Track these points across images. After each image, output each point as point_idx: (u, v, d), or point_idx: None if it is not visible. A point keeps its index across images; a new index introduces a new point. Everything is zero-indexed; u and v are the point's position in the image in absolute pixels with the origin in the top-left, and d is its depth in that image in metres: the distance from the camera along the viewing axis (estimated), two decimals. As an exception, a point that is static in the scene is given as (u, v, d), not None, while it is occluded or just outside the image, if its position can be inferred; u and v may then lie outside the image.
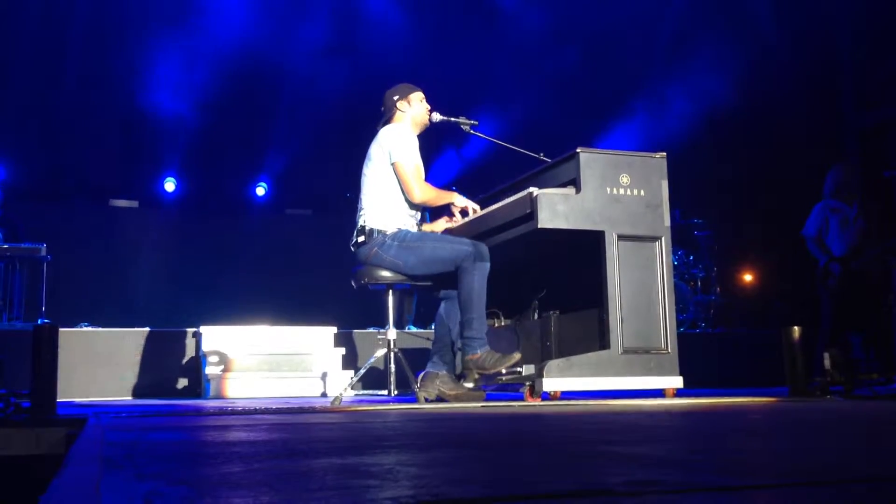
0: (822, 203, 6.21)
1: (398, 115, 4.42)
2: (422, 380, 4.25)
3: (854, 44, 9.19)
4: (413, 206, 4.29)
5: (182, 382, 6.60)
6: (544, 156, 4.43)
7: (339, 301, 7.76)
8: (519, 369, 4.03)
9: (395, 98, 4.44)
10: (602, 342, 3.98)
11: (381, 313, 4.46)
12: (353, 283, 4.34)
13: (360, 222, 4.27)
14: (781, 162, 8.84)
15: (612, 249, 3.95)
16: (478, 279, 4.02)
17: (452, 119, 4.51)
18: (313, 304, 8.23)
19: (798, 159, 8.41)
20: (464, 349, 4.05)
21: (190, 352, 6.64)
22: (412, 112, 4.43)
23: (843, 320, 5.94)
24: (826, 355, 4.33)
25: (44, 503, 1.21)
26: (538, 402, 3.86)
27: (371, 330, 7.15)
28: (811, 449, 1.68)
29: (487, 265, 4.05)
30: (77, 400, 5.78)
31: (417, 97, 4.46)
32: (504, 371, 4.00)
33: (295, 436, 2.13)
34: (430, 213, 4.84)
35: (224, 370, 6.32)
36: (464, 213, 4.40)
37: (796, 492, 1.08)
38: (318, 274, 8.92)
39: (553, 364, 3.88)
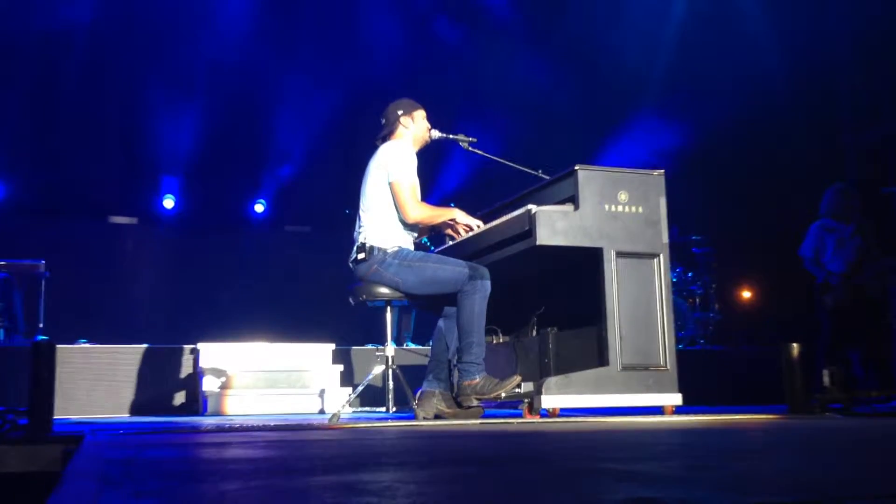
0: (819, 223, 6.23)
1: (400, 130, 4.39)
2: (419, 399, 4.23)
3: (852, 62, 9.23)
4: (410, 224, 4.28)
5: (179, 399, 6.58)
6: (543, 172, 4.44)
7: (337, 318, 7.76)
8: (518, 390, 4.02)
9: (400, 113, 4.39)
10: (601, 359, 3.97)
11: (380, 330, 4.45)
12: (350, 300, 4.33)
13: (360, 239, 4.25)
14: (779, 179, 8.87)
15: (611, 266, 3.95)
16: (478, 303, 3.99)
17: (451, 136, 4.51)
18: (312, 320, 8.21)
19: (796, 176, 8.43)
20: (461, 375, 4.01)
21: (187, 368, 6.62)
22: (414, 129, 4.40)
23: (843, 337, 5.94)
24: (825, 372, 4.32)
25: (41, 521, 1.21)
26: (537, 419, 3.85)
27: (369, 346, 7.13)
28: (811, 466, 1.68)
29: (489, 289, 4.02)
30: (74, 417, 5.76)
31: (420, 115, 4.44)
32: (504, 395, 3.98)
33: (292, 453, 2.12)
34: (432, 228, 4.81)
35: (222, 387, 6.30)
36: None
37: (796, 509, 1.07)
38: (317, 290, 8.91)
39: (551, 381, 3.88)
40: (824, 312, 6.02)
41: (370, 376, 4.40)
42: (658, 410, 4.03)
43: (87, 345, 6.65)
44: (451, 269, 4.04)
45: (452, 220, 4.36)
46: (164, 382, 6.57)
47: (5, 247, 7.52)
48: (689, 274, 8.76)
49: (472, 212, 4.52)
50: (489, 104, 9.48)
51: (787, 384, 4.09)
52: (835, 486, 1.29)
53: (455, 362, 4.16)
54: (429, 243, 5.86)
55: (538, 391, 3.86)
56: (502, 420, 3.88)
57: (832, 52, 9.34)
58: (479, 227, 4.32)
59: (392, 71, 9.17)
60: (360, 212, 4.30)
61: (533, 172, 4.47)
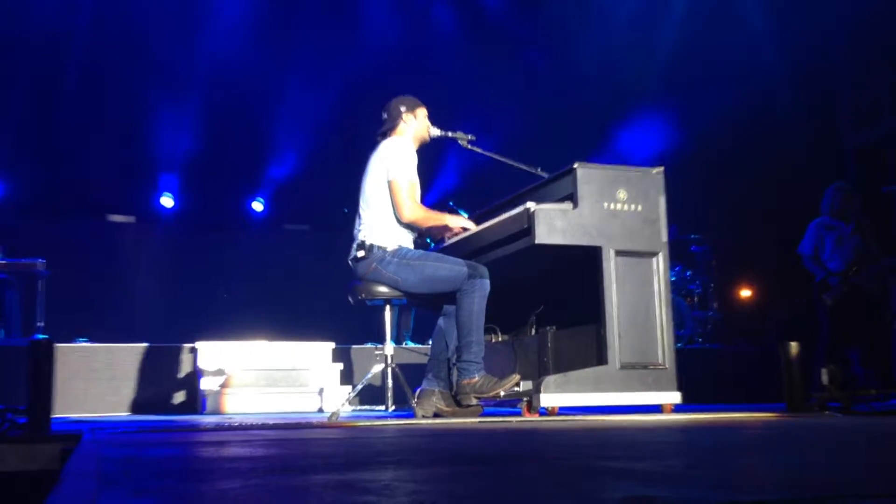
0: (818, 221, 6.24)
1: (402, 127, 4.37)
2: (418, 397, 4.23)
3: (851, 62, 9.23)
4: (407, 224, 4.26)
5: (179, 398, 6.58)
6: (541, 170, 4.43)
7: (337, 316, 7.75)
8: (517, 389, 4.01)
9: (403, 109, 4.38)
10: (600, 358, 3.97)
11: (379, 328, 4.45)
12: (350, 298, 4.33)
13: (360, 237, 4.24)
14: (779, 177, 8.86)
15: (610, 265, 3.95)
16: (478, 302, 3.99)
17: (450, 134, 4.50)
18: (311, 319, 8.20)
19: (796, 176, 8.43)
20: (460, 373, 4.01)
21: (187, 367, 6.62)
22: (416, 126, 4.39)
23: (841, 336, 5.95)
24: (824, 371, 4.32)
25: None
26: (536, 417, 3.85)
27: (369, 345, 7.13)
28: (809, 464, 1.68)
29: (488, 287, 4.02)
30: (73, 416, 5.75)
31: (423, 113, 4.43)
32: (503, 394, 3.98)
33: (292, 451, 2.12)
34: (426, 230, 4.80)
35: (221, 386, 6.30)
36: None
37: (795, 507, 1.07)
38: (316, 289, 8.90)
39: (550, 380, 3.88)
40: (823, 311, 6.02)
41: (369, 375, 4.40)
42: (657, 409, 4.04)
43: (86, 343, 6.65)
44: (451, 268, 4.04)
45: (446, 226, 4.36)
46: (163, 381, 6.57)
47: (4, 246, 7.51)
48: (688, 273, 8.76)
49: (470, 210, 4.52)
50: (488, 102, 9.47)
51: (786, 383, 4.09)
52: (833, 485, 1.29)
53: (454, 361, 4.16)
54: (430, 241, 5.86)
55: (537, 390, 3.86)
56: (501, 419, 3.88)
57: (832, 52, 9.34)
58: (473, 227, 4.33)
59: (391, 69, 9.16)
60: (360, 209, 4.29)
61: (531, 170, 4.47)
